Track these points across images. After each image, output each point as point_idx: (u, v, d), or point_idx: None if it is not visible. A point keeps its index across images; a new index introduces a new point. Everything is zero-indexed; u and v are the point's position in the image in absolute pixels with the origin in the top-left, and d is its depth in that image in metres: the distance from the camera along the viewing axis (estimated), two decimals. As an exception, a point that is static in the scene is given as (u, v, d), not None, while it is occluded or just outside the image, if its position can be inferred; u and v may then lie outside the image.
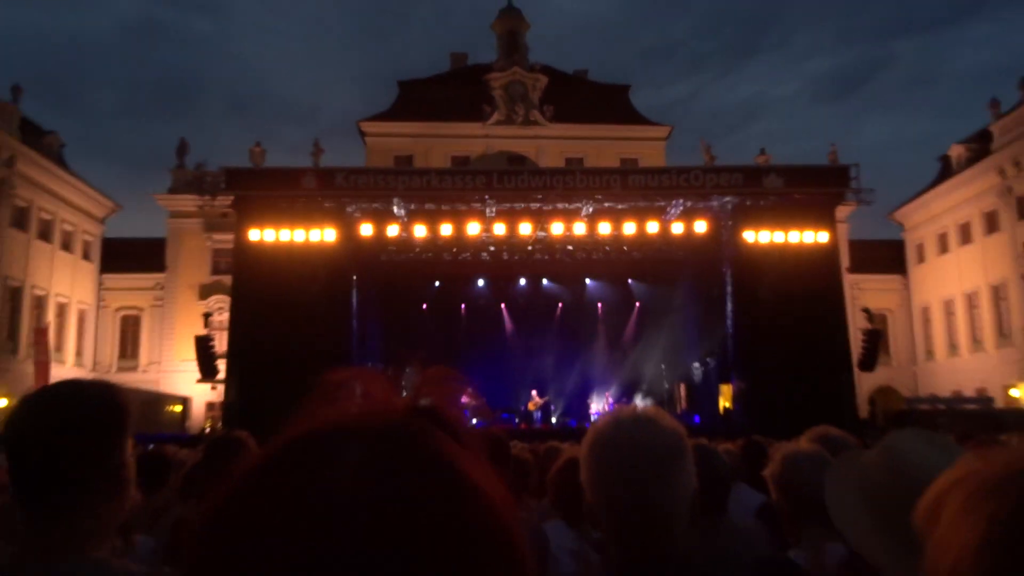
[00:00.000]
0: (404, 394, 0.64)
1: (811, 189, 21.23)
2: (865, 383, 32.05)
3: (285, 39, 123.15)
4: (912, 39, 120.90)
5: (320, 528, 0.51)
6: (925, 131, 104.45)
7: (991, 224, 36.73)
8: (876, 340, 21.88)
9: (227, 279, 26.63)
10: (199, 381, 23.19)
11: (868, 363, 21.50)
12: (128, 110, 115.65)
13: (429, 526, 0.52)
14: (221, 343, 21.48)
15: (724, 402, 20.85)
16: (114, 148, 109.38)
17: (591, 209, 20.79)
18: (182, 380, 34.32)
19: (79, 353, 38.35)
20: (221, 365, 20.67)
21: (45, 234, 36.28)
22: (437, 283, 24.08)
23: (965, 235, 38.64)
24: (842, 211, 26.16)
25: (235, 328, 20.48)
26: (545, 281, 24.51)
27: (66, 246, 37.81)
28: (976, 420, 22.82)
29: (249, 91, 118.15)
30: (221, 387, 21.10)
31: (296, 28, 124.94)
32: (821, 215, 20.82)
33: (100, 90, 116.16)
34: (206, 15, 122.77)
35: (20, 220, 34.44)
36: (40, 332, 31.59)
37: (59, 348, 35.82)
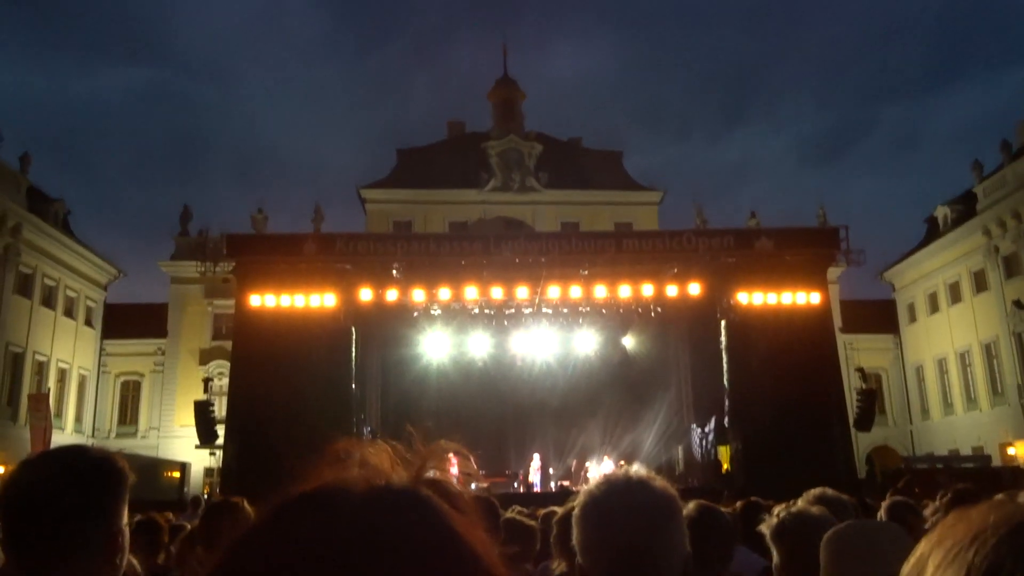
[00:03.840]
0: (408, 465, 0.64)
1: (802, 251, 21.41)
2: (862, 442, 31.79)
3: (289, 106, 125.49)
4: (894, 103, 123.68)
5: None
6: (911, 192, 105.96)
7: (980, 283, 36.90)
8: (871, 400, 21.79)
9: (228, 344, 26.56)
10: (198, 447, 22.92)
11: (864, 423, 21.36)
12: (135, 175, 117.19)
13: None
14: (221, 408, 21.34)
15: (723, 464, 20.57)
16: (121, 213, 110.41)
17: (587, 272, 20.87)
18: (181, 446, 33.94)
19: (79, 419, 37.99)
20: (220, 430, 20.47)
21: (48, 300, 36.28)
22: (435, 347, 23.87)
23: (955, 294, 38.77)
24: (833, 272, 26.30)
25: (234, 393, 20.37)
26: (542, 343, 24.30)
27: (69, 312, 37.78)
28: (974, 478, 22.56)
29: (254, 156, 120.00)
30: (220, 452, 20.82)
31: (300, 95, 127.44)
32: (813, 276, 20.96)
33: (108, 155, 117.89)
34: (213, 82, 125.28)
35: (24, 287, 34.47)
36: (40, 398, 31.30)
37: (59, 414, 35.49)
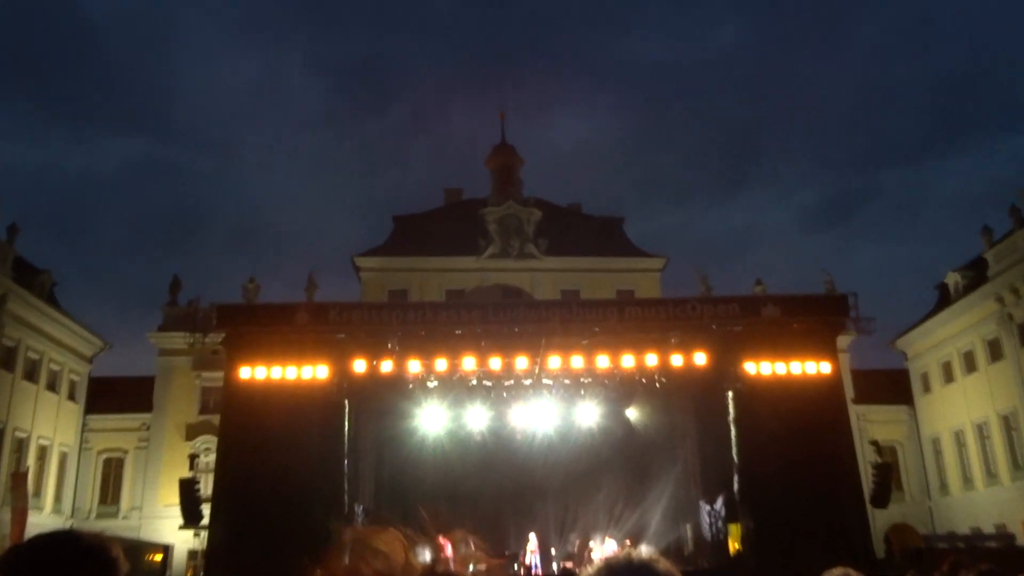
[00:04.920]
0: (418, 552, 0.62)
1: (810, 319, 21.39)
2: (879, 520, 31.25)
3: (286, 175, 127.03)
4: (894, 169, 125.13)
5: None
6: (917, 258, 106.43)
7: (995, 352, 36.74)
8: (887, 474, 21.45)
9: (215, 419, 26.32)
10: (182, 527, 22.48)
11: (880, 499, 20.99)
12: (127, 246, 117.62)
13: None
14: (207, 486, 20.98)
15: (734, 543, 20.16)
16: (111, 284, 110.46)
17: (588, 341, 20.82)
18: (164, 527, 33.29)
19: (58, 499, 37.32)
20: (206, 510, 20.08)
21: (31, 374, 36.04)
22: (431, 420, 23.61)
23: (970, 363, 38.57)
24: (842, 340, 26.20)
25: (222, 470, 20.10)
26: (542, 416, 24.04)
27: (51, 386, 37.49)
28: (998, 559, 22.13)
29: (249, 226, 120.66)
30: (205, 534, 20.39)
31: (297, 165, 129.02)
32: (822, 345, 20.91)
33: (100, 226, 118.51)
34: (209, 152, 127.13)
35: (7, 360, 34.29)
36: (19, 477, 30.87)
37: (37, 493, 34.88)
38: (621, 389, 22.41)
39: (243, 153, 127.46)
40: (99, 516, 37.24)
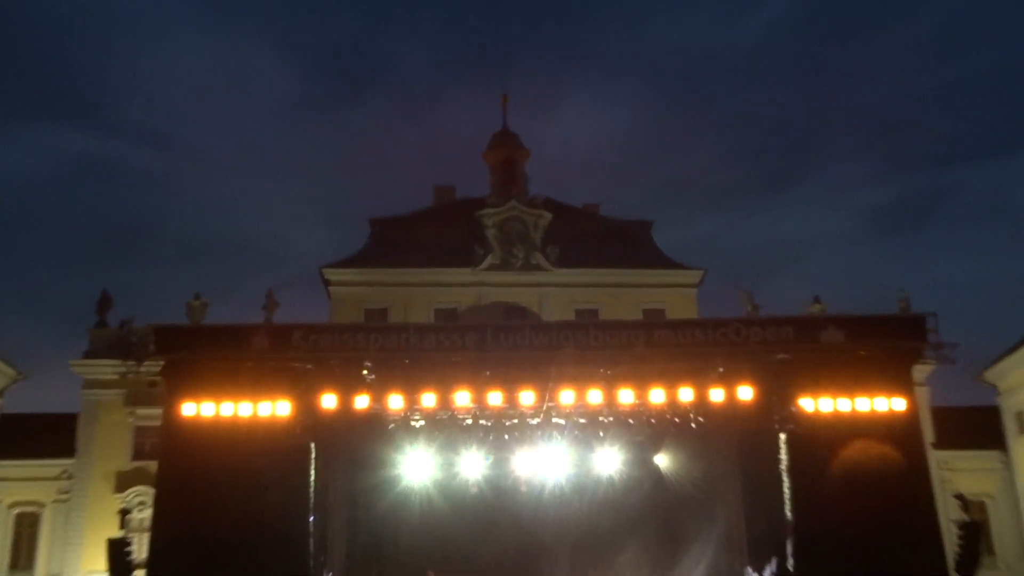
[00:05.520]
0: None
1: (880, 345, 21.26)
2: (965, 591, 30.85)
3: (247, 174, 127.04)
4: (975, 166, 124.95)
5: None
6: (1008, 270, 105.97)
7: (1106, 385, 36.60)
8: (976, 535, 21.19)
9: (152, 466, 26.18)
10: (110, 599, 22.36)
11: (968, 566, 20.78)
12: (55, 257, 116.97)
13: None
14: (141, 549, 20.81)
15: (787, 620, 20.08)
16: (35, 303, 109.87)
17: (609, 372, 20.75)
18: (89, 597, 33.15)
19: (-41, 563, 37.21)
20: (139, 577, 19.83)
21: (-73, 412, 35.99)
22: (417, 467, 23.43)
23: (1076, 399, 38.44)
24: (919, 371, 26.11)
25: (159, 529, 19.93)
26: (553, 463, 23.82)
27: (-48, 426, 37.41)
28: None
29: (202, 234, 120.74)
30: (138, 606, 20.32)
31: (260, 162, 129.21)
32: (895, 377, 20.85)
33: (22, 235, 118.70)
34: (157, 150, 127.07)
35: None
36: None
37: (-66, 557, 34.75)
38: (649, 431, 22.21)
39: (198, 151, 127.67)
40: (9, 584, 37.03)
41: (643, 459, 24.54)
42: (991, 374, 43.27)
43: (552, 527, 24.45)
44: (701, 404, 20.90)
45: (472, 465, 23.56)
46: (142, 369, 21.63)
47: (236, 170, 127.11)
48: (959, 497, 22.71)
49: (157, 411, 24.31)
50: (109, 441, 38.25)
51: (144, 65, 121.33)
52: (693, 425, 21.51)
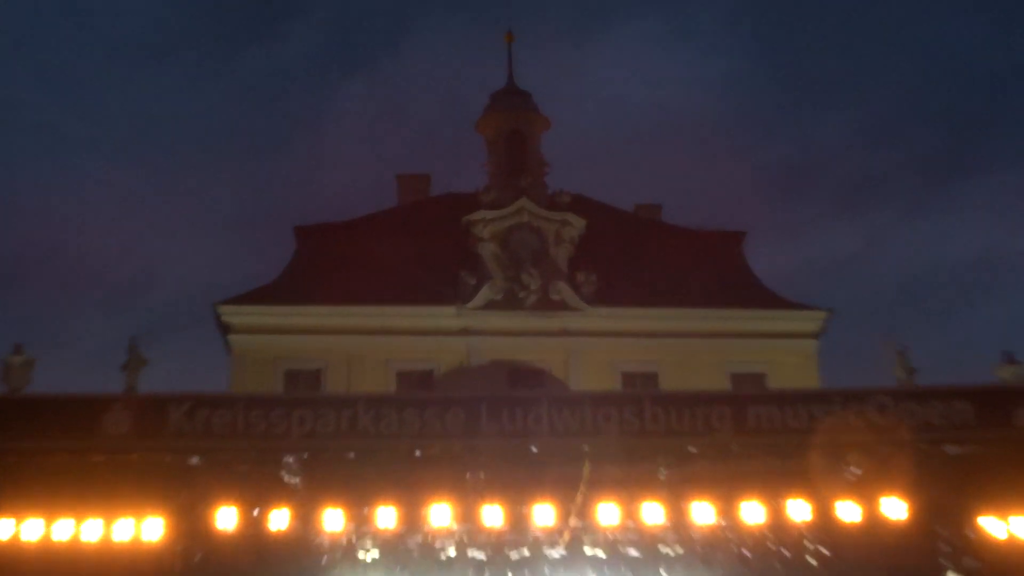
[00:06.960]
0: None
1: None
2: None
3: (95, 153, 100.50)
4: None
5: None
6: None
7: None
8: None
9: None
10: None
11: None
12: None
13: None
14: None
15: None
16: None
17: (676, 475, 17.56)
18: None
19: None
20: None
21: None
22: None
23: None
24: None
25: None
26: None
27: None
28: None
29: (26, 257, 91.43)
30: None
31: (118, 141, 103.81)
32: None
33: None
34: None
35: None
36: None
37: None
38: (740, 565, 17.82)
39: (18, 125, 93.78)
40: None
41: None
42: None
43: None
44: (824, 526, 17.52)
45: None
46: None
47: (78, 156, 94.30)
48: None
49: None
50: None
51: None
52: (812, 561, 17.61)
